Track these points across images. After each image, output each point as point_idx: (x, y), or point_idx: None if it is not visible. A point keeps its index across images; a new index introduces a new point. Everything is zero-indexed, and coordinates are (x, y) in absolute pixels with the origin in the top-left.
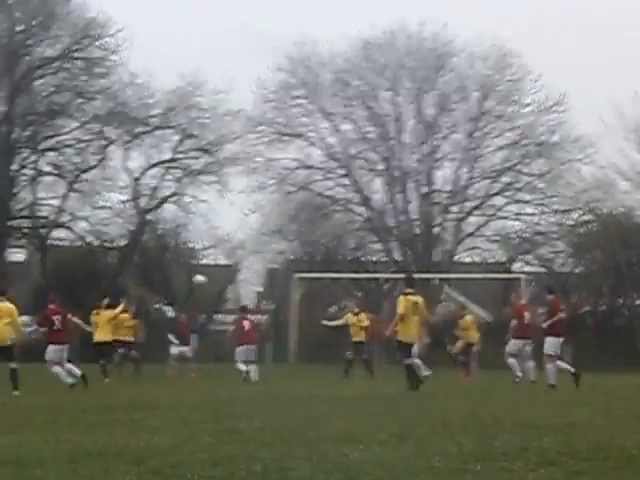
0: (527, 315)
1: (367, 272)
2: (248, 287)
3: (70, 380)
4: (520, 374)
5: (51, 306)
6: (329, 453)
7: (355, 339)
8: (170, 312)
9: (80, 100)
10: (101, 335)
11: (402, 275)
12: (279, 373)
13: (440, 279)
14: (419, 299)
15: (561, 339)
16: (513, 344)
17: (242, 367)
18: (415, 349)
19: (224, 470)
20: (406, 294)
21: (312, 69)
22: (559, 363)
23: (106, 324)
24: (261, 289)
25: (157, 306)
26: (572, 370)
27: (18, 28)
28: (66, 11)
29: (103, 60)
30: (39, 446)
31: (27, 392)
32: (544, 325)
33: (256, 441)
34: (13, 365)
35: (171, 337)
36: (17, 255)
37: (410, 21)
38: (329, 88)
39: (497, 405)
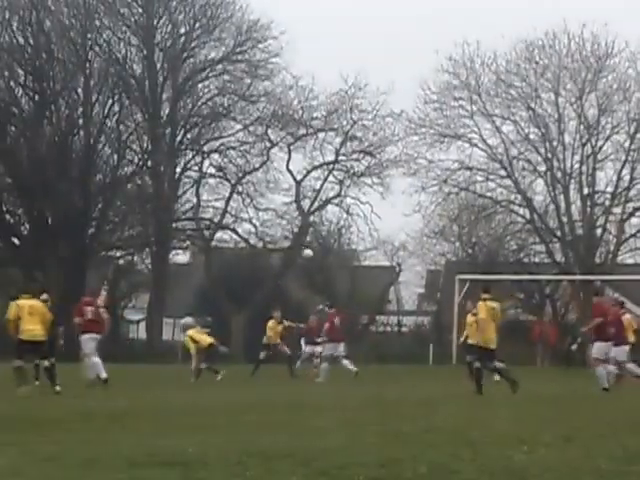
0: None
1: (529, 274)
2: (409, 289)
3: (104, 375)
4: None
5: (86, 298)
6: (494, 455)
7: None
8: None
9: (243, 103)
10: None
11: (565, 277)
12: (441, 375)
13: (602, 281)
14: (496, 304)
15: (609, 343)
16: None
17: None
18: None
19: (390, 472)
20: (485, 300)
21: (474, 70)
22: (608, 367)
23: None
24: (422, 291)
25: (320, 307)
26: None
27: (181, 31)
28: (229, 14)
29: (266, 63)
30: (204, 448)
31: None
32: (583, 329)
33: (421, 442)
34: (46, 363)
35: (302, 343)
36: (181, 257)
37: (571, 22)
38: (491, 89)
39: None
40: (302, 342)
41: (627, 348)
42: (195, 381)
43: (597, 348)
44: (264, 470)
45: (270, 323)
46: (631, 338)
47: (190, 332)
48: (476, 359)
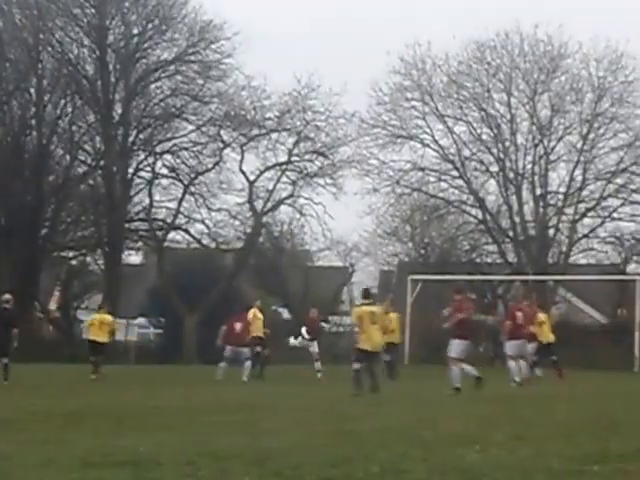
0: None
1: (481, 274)
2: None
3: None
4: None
5: None
6: (445, 454)
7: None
8: (285, 314)
9: (196, 103)
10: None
11: (518, 277)
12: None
13: (555, 281)
14: (375, 308)
15: (466, 341)
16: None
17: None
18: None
19: (342, 471)
20: (362, 304)
21: (426, 71)
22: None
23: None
24: (375, 291)
25: (273, 308)
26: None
27: (134, 32)
28: (182, 14)
29: (218, 63)
30: (158, 448)
31: (141, 393)
32: (444, 326)
33: (373, 442)
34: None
35: (303, 332)
36: (134, 257)
37: (524, 23)
38: (443, 90)
39: (614, 406)
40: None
41: (519, 343)
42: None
43: (510, 346)
44: (217, 470)
45: (257, 314)
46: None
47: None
48: (356, 361)
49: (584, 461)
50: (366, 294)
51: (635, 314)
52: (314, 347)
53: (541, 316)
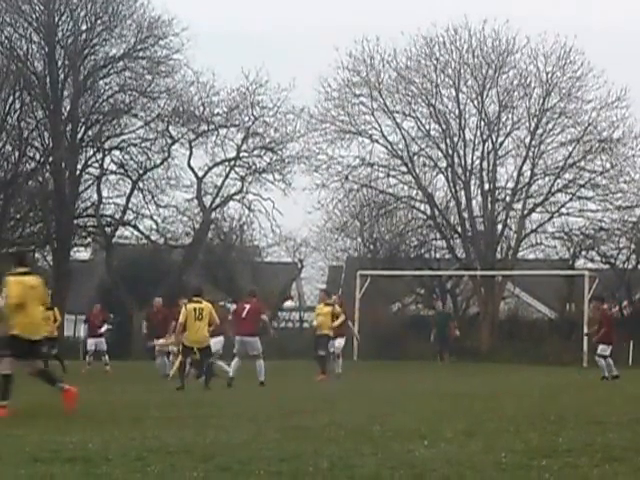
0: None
1: (430, 269)
2: (311, 284)
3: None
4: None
5: None
6: (394, 449)
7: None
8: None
9: (144, 99)
10: None
11: (466, 272)
12: (342, 370)
13: (503, 276)
14: (202, 305)
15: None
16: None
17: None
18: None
19: (291, 466)
20: (190, 301)
21: (374, 67)
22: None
23: None
24: (324, 286)
25: (222, 303)
26: None
27: (82, 28)
28: (130, 10)
29: (167, 59)
30: (107, 443)
31: (89, 389)
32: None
33: (322, 437)
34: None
35: (84, 328)
36: (83, 254)
37: (472, 18)
38: (391, 86)
39: (562, 401)
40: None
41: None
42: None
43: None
44: (165, 466)
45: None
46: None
47: None
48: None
49: (533, 456)
50: (196, 292)
51: (584, 309)
52: (102, 345)
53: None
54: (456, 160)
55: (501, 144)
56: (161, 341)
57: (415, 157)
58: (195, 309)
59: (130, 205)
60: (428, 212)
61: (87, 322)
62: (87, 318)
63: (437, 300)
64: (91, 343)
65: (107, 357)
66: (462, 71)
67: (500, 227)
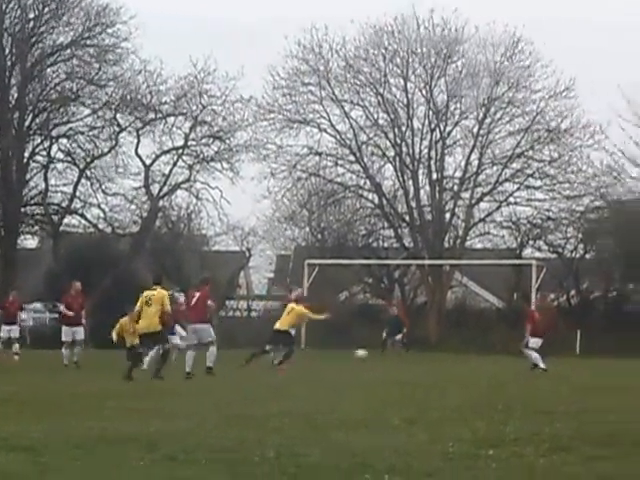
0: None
1: (378, 258)
2: (260, 273)
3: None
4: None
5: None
6: (339, 438)
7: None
8: (182, 298)
9: (92, 87)
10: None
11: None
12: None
13: (451, 265)
14: (155, 293)
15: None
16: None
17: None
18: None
19: (237, 455)
20: (149, 289)
21: (323, 56)
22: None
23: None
24: (272, 275)
25: (170, 292)
26: None
27: (30, 15)
28: None
29: (115, 47)
30: (55, 433)
31: (36, 379)
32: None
33: (268, 426)
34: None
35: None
36: (29, 242)
37: (421, 7)
38: (340, 75)
39: (509, 391)
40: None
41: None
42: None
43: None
44: (112, 455)
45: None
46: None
47: None
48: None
49: (480, 445)
50: (155, 279)
51: (531, 298)
52: (15, 332)
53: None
54: (404, 149)
55: (449, 133)
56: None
57: (363, 146)
58: (147, 296)
59: (77, 193)
60: (376, 201)
61: (2, 309)
62: (2, 305)
63: (392, 306)
64: (5, 330)
65: (18, 346)
66: (410, 60)
67: (448, 216)
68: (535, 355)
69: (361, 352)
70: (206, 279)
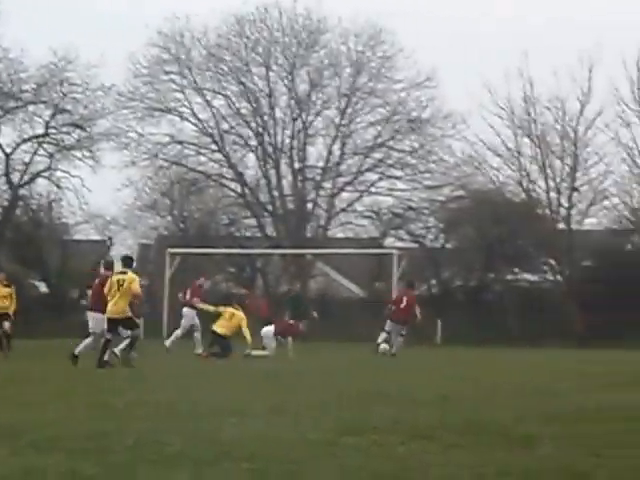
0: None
1: (240, 247)
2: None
3: None
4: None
5: None
6: (201, 427)
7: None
8: (43, 287)
9: None
10: None
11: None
12: (152, 349)
13: (313, 254)
14: (125, 277)
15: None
16: None
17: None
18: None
19: (97, 444)
20: (118, 273)
21: (184, 44)
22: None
23: None
24: (135, 264)
25: (31, 282)
26: None
27: None
28: None
29: None
30: None
31: None
32: None
33: (129, 415)
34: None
35: None
36: None
37: None
38: (201, 63)
39: (372, 379)
40: None
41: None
42: None
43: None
44: None
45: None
46: None
47: None
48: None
49: (340, 433)
50: (125, 262)
51: (392, 287)
52: None
53: None
54: (266, 139)
55: (311, 123)
56: None
57: (225, 135)
58: (118, 280)
59: None
60: (238, 190)
61: None
62: None
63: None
64: None
65: None
66: (272, 50)
67: (310, 206)
68: (384, 336)
69: (383, 346)
70: (108, 263)
